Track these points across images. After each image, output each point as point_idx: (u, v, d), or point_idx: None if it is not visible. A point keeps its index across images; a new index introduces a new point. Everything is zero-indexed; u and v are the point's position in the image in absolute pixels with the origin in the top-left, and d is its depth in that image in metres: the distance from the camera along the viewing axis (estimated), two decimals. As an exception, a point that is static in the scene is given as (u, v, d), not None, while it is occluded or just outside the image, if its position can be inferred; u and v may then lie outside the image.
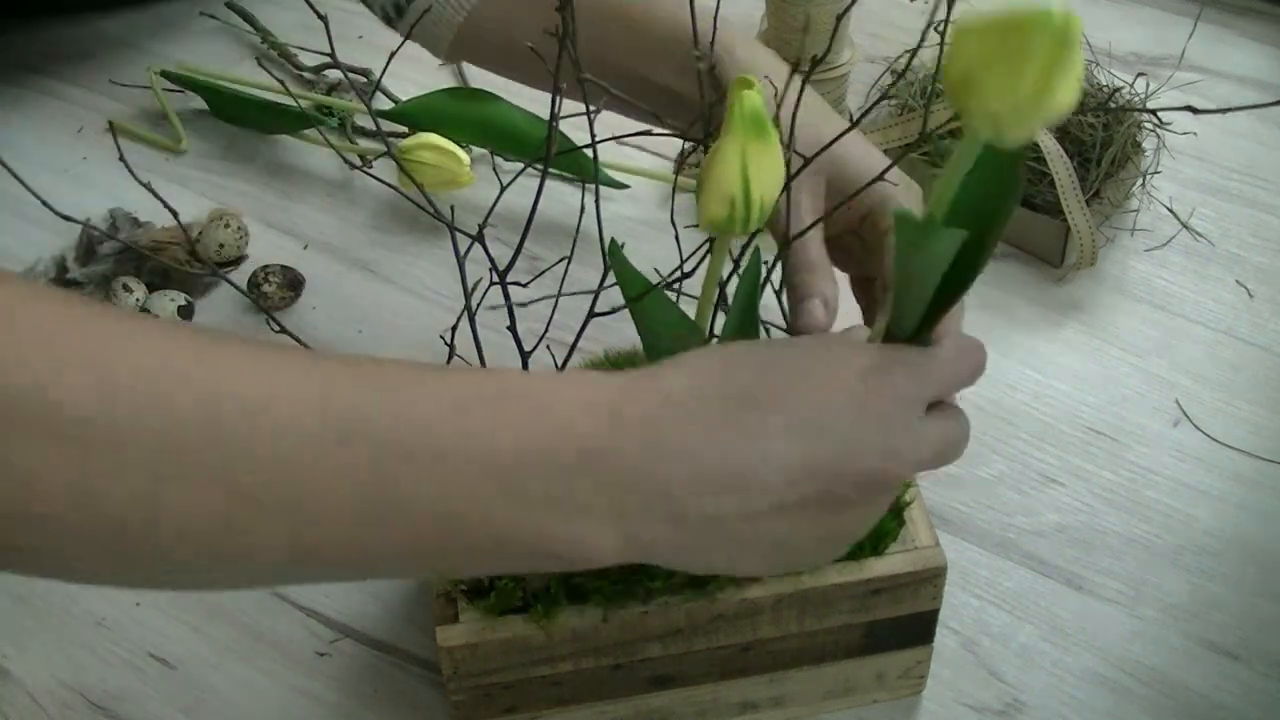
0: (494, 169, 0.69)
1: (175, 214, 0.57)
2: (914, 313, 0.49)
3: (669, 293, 0.59)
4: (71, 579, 0.46)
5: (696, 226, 0.54)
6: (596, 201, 0.60)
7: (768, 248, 0.62)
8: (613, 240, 0.59)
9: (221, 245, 0.92)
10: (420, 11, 0.76)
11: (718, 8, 0.59)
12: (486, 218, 0.61)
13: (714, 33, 0.58)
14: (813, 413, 0.47)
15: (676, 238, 0.63)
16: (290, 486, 0.43)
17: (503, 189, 0.61)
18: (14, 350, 0.40)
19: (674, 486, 0.46)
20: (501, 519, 0.45)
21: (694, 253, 0.60)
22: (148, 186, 0.55)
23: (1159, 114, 0.91)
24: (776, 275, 0.64)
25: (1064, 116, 0.40)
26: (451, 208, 0.65)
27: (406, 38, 0.68)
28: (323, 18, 0.60)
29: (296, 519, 0.43)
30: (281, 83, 0.62)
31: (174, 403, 0.42)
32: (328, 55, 0.60)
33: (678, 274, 0.61)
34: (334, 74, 1.06)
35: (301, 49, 1.09)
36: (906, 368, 0.49)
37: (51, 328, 0.41)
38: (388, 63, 0.61)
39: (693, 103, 0.60)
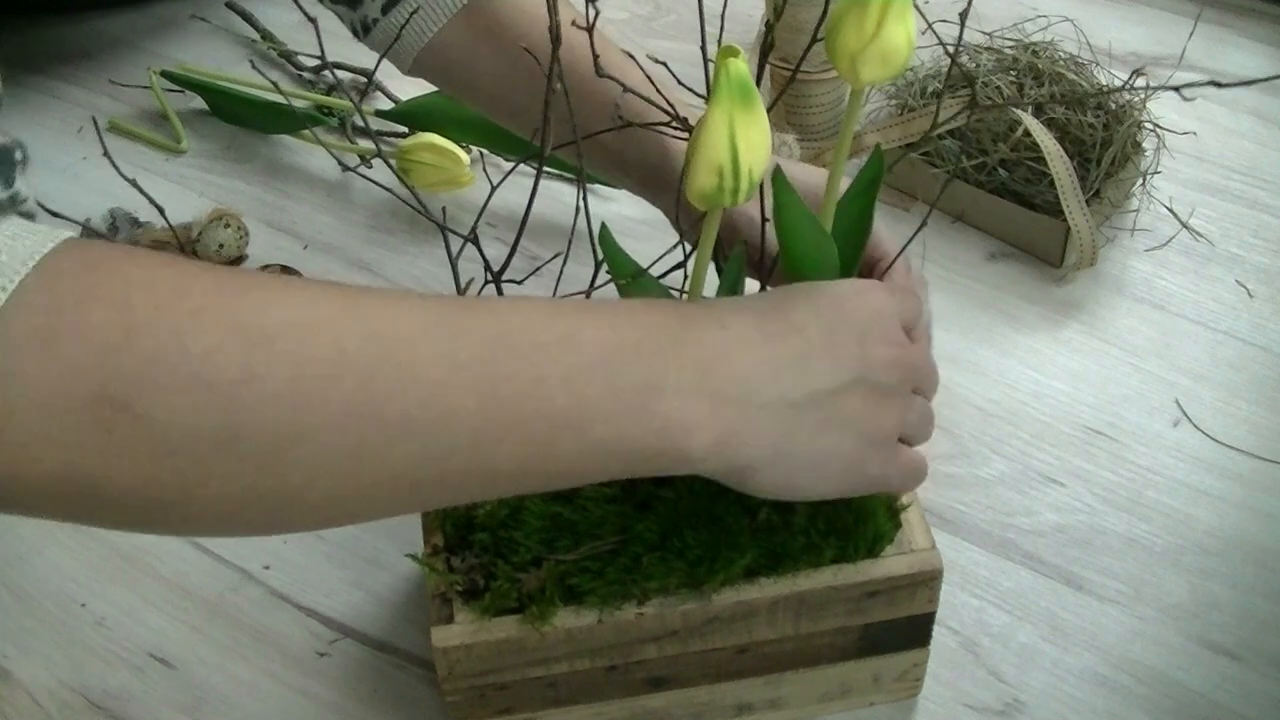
0: (483, 169, 0.69)
1: (161, 210, 0.57)
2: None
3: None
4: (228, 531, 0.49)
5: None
6: (585, 194, 0.60)
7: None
8: (603, 224, 0.59)
9: (221, 245, 0.92)
10: (384, 33, 0.78)
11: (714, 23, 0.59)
12: (479, 217, 0.61)
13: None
14: (833, 322, 0.55)
15: (682, 237, 0.63)
16: (419, 406, 0.47)
17: (494, 188, 0.61)
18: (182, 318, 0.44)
19: (747, 370, 0.53)
20: (601, 407, 0.50)
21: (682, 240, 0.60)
22: (133, 183, 0.54)
23: (1157, 115, 0.91)
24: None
25: (903, 62, 0.52)
26: (444, 209, 0.64)
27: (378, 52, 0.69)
28: (312, 20, 0.60)
29: (426, 437, 0.47)
30: (275, 85, 0.62)
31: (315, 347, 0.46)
32: (323, 56, 0.60)
33: (672, 263, 0.61)
34: (334, 73, 1.06)
35: (299, 53, 1.09)
36: (886, 290, 0.59)
37: (215, 297, 0.45)
38: (379, 62, 0.61)
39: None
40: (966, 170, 0.90)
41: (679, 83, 0.60)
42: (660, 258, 0.61)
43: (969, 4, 0.54)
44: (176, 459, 0.44)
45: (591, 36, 0.54)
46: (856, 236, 0.60)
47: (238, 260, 0.93)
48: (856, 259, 0.61)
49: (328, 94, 1.04)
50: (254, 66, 0.70)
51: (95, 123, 0.65)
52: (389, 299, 0.49)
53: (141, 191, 0.53)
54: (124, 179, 0.55)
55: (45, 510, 0.45)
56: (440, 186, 0.93)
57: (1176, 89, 0.52)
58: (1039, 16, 1.00)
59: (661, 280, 0.62)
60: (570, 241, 0.62)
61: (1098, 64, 0.94)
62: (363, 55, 1.02)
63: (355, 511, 0.49)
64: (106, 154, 0.57)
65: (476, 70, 0.76)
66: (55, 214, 0.60)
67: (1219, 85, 0.50)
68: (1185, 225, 0.93)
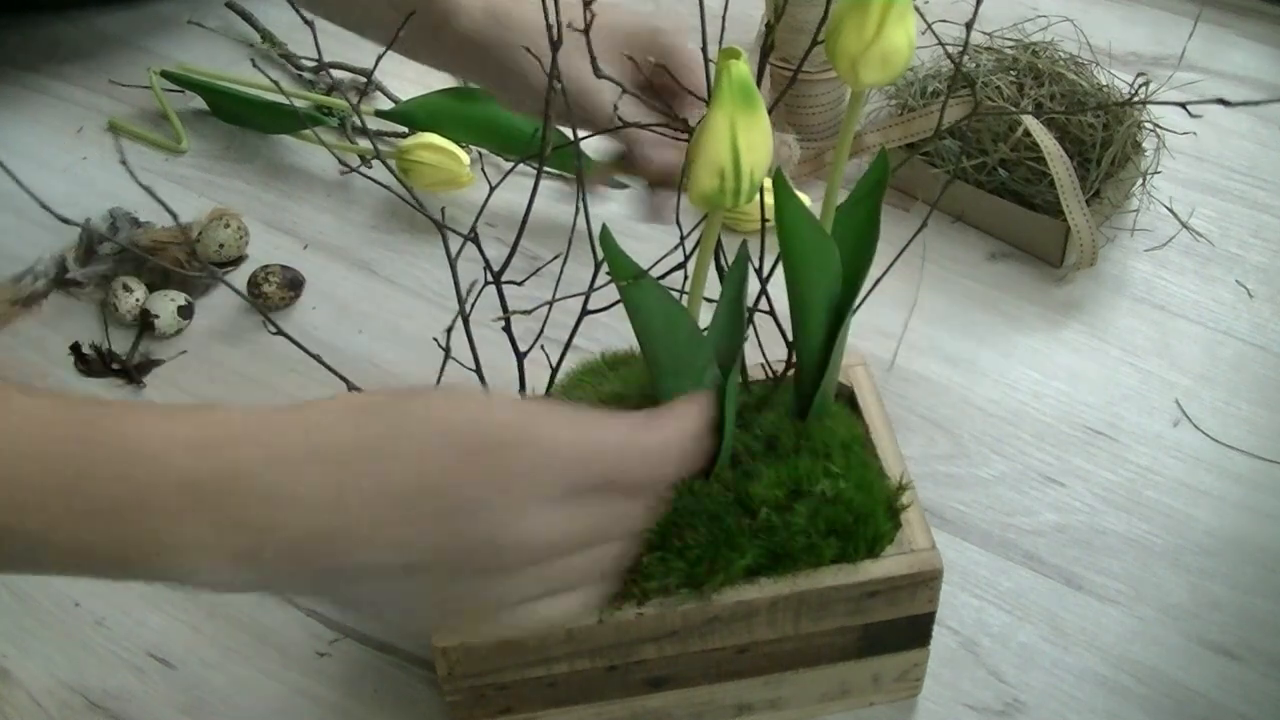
0: (483, 169, 0.69)
1: (175, 216, 0.57)
2: (815, 335, 0.60)
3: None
4: None
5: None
6: (585, 194, 0.60)
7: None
8: (604, 225, 0.59)
9: (221, 245, 0.92)
10: None
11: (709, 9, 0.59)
12: (478, 217, 0.61)
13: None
14: (421, 473, 0.45)
15: (682, 238, 0.63)
16: None
17: (493, 188, 0.61)
18: None
19: (290, 538, 0.46)
20: (114, 553, 0.46)
21: (686, 235, 0.60)
22: (149, 190, 0.54)
23: (1157, 114, 0.91)
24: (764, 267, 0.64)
25: (903, 64, 0.51)
26: (443, 209, 0.64)
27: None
28: (309, 22, 0.60)
29: None
30: (276, 83, 0.62)
31: None
32: (325, 57, 0.60)
33: (672, 264, 0.61)
34: (335, 73, 1.06)
35: (299, 54, 1.09)
36: (547, 441, 0.46)
37: None
38: (378, 61, 0.61)
39: None
40: (966, 170, 0.90)
41: (678, 85, 0.60)
42: (661, 259, 0.61)
43: (975, 14, 0.54)
44: None
45: (589, 38, 0.53)
46: (862, 241, 0.60)
47: (238, 260, 0.93)
48: (863, 265, 0.61)
49: (328, 94, 1.04)
50: (255, 65, 0.70)
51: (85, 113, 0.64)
52: None
53: (158, 200, 0.53)
54: (139, 185, 0.55)
55: None
56: (440, 186, 0.93)
57: (1184, 105, 0.52)
58: (1039, 16, 1.00)
59: (662, 281, 0.62)
60: (570, 241, 0.62)
61: (1098, 64, 0.94)
62: (365, 55, 1.02)
63: None
64: (124, 163, 0.57)
65: None
66: (56, 215, 0.60)
67: (1226, 104, 0.50)
68: (1185, 225, 0.93)
